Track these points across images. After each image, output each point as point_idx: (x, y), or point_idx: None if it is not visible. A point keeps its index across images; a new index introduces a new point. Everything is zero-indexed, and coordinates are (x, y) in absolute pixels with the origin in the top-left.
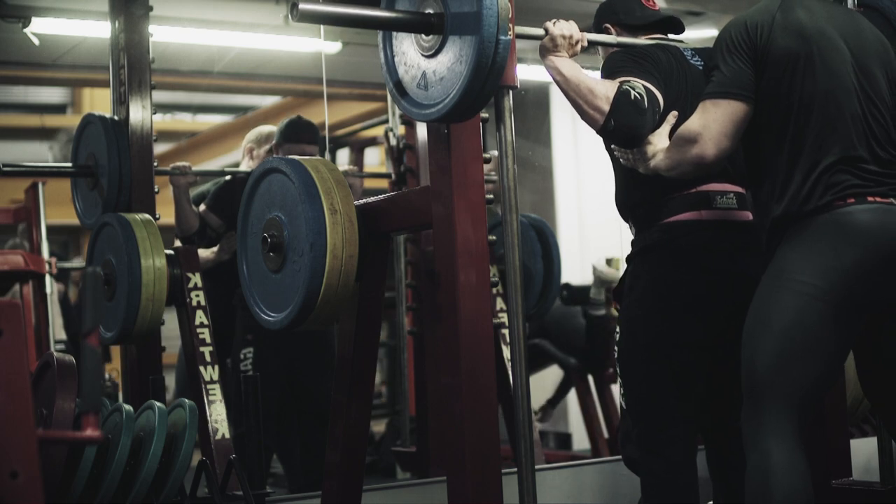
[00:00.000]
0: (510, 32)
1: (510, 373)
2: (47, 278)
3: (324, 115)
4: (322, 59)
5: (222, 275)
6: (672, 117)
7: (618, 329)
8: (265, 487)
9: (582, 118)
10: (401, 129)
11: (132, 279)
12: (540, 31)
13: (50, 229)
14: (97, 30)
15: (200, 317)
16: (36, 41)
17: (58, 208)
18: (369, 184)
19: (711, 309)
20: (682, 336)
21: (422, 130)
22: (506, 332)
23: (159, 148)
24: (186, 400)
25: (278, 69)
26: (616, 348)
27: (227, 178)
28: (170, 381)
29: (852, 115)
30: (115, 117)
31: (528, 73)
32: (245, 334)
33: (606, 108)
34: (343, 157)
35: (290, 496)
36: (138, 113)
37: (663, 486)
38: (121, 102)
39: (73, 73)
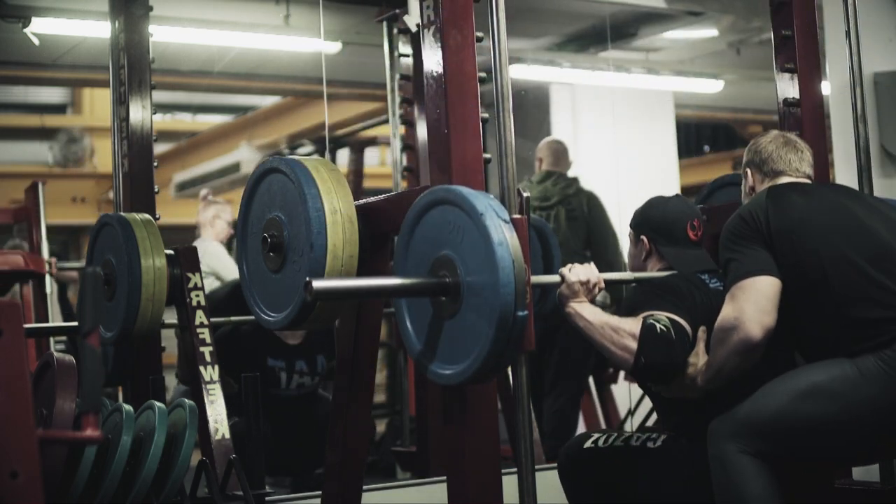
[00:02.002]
0: (527, 302)
1: (510, 373)
2: (47, 278)
3: (324, 115)
4: (322, 59)
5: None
6: (702, 332)
7: (659, 442)
8: (265, 487)
9: (610, 360)
10: (401, 129)
11: (132, 279)
12: (556, 279)
13: (50, 229)
14: (97, 30)
15: (200, 317)
16: (36, 41)
17: (58, 208)
18: (369, 184)
19: None
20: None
21: (422, 130)
22: None
23: (159, 148)
24: (186, 400)
25: (278, 69)
26: (654, 442)
27: (228, 326)
28: (170, 381)
29: (886, 245)
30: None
31: (528, 73)
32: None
33: (634, 345)
34: (343, 157)
35: (291, 496)
36: (138, 113)
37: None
38: (121, 102)
39: (73, 73)
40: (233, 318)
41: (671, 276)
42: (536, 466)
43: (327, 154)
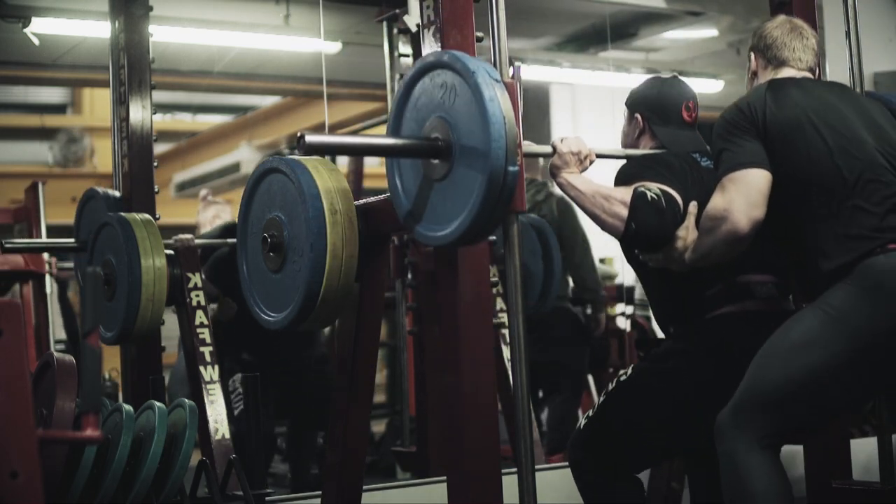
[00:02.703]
0: (519, 161)
1: (510, 373)
2: (47, 278)
3: (324, 115)
4: (322, 59)
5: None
6: (693, 208)
7: (630, 371)
8: (265, 487)
9: (602, 229)
10: None
11: (132, 279)
12: (548, 149)
13: (50, 229)
14: (97, 30)
15: (200, 317)
16: (36, 41)
17: (58, 208)
18: (369, 184)
19: None
20: (683, 433)
21: None
22: (506, 332)
23: (159, 148)
24: (186, 400)
25: (278, 69)
26: (615, 382)
27: (227, 248)
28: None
29: (874, 160)
30: (118, 193)
31: (528, 73)
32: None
33: (625, 213)
34: (343, 157)
35: (290, 496)
36: (138, 113)
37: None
38: (121, 102)
39: (73, 73)
40: (228, 241)
41: (663, 152)
42: (536, 466)
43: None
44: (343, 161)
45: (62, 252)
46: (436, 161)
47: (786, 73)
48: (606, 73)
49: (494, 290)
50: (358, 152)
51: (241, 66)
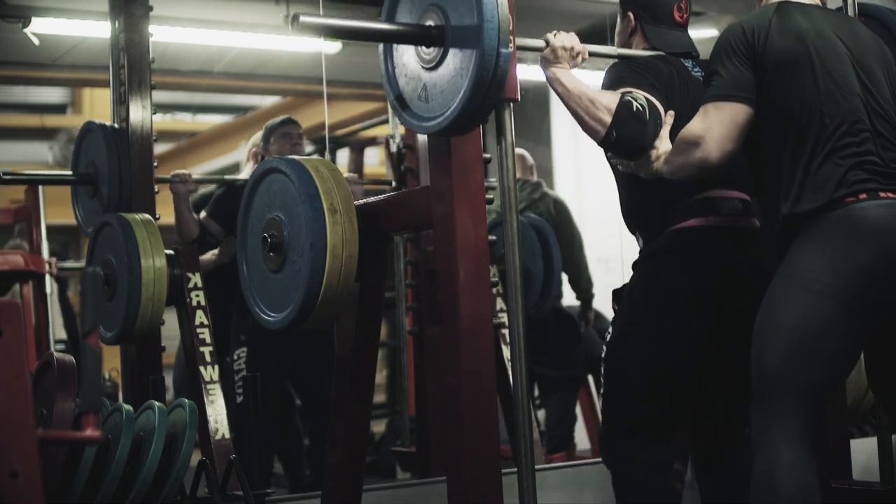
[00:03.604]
0: (511, 45)
1: (510, 373)
2: (47, 278)
3: (324, 115)
4: (322, 59)
5: (222, 278)
6: (669, 118)
7: (610, 329)
8: (265, 487)
9: (583, 130)
10: (401, 129)
11: (132, 279)
12: (541, 43)
13: (50, 229)
14: (97, 30)
15: (200, 317)
16: (36, 41)
17: (58, 208)
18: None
19: (714, 316)
20: (679, 344)
21: None
22: (506, 332)
23: (159, 148)
24: (186, 400)
25: (278, 69)
26: (605, 347)
27: (227, 184)
28: (168, 382)
29: (856, 112)
30: (115, 125)
31: (528, 73)
32: (239, 335)
33: (608, 119)
34: (343, 157)
35: (290, 496)
36: (138, 113)
37: (635, 486)
38: (121, 102)
39: (73, 73)
40: (227, 177)
41: (654, 56)
42: (536, 466)
43: (327, 154)
44: (343, 161)
45: (61, 184)
46: (430, 49)
47: None
48: None
49: (494, 290)
50: (352, 36)
51: (241, 66)
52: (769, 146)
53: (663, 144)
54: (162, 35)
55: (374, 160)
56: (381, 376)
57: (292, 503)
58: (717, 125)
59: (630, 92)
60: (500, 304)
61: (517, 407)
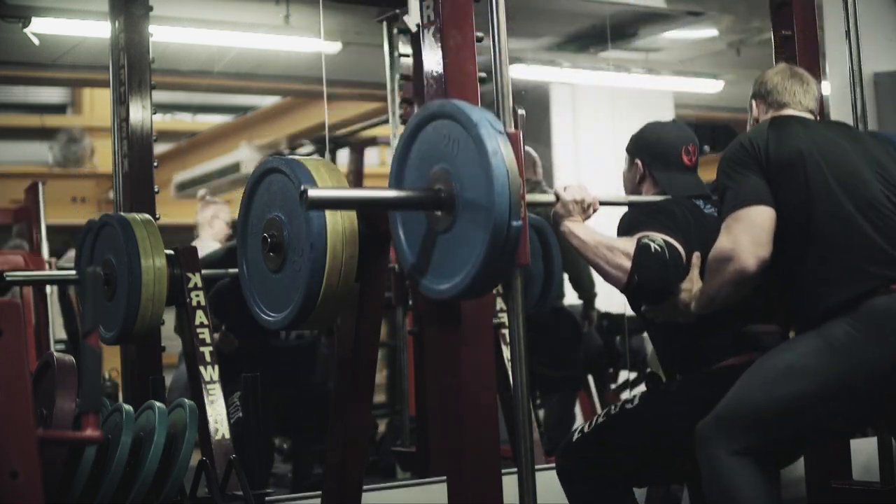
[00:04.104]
0: (522, 214)
1: (510, 373)
2: None
3: (324, 115)
4: (322, 59)
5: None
6: (696, 259)
7: (636, 402)
8: (265, 487)
9: (605, 279)
10: (401, 129)
11: (132, 279)
12: (551, 198)
13: (50, 229)
14: (97, 30)
15: (200, 317)
16: (36, 41)
17: (58, 208)
18: (369, 184)
19: None
20: (689, 466)
21: None
22: (506, 332)
23: (159, 148)
24: (186, 400)
25: (278, 69)
26: (622, 406)
27: (229, 279)
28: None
29: (877, 198)
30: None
31: (528, 73)
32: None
33: (628, 264)
34: (343, 157)
35: (290, 496)
36: (138, 113)
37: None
38: (121, 102)
39: (73, 73)
40: (230, 270)
41: (666, 199)
42: (536, 466)
43: (327, 154)
44: (343, 161)
45: (67, 283)
46: (439, 213)
47: (787, 113)
48: (606, 73)
49: (494, 290)
50: (360, 205)
51: (241, 66)
52: (794, 244)
53: (695, 285)
54: (162, 35)
55: (374, 160)
56: (381, 376)
57: (292, 503)
58: (743, 234)
59: (646, 235)
60: (500, 304)
61: (517, 407)
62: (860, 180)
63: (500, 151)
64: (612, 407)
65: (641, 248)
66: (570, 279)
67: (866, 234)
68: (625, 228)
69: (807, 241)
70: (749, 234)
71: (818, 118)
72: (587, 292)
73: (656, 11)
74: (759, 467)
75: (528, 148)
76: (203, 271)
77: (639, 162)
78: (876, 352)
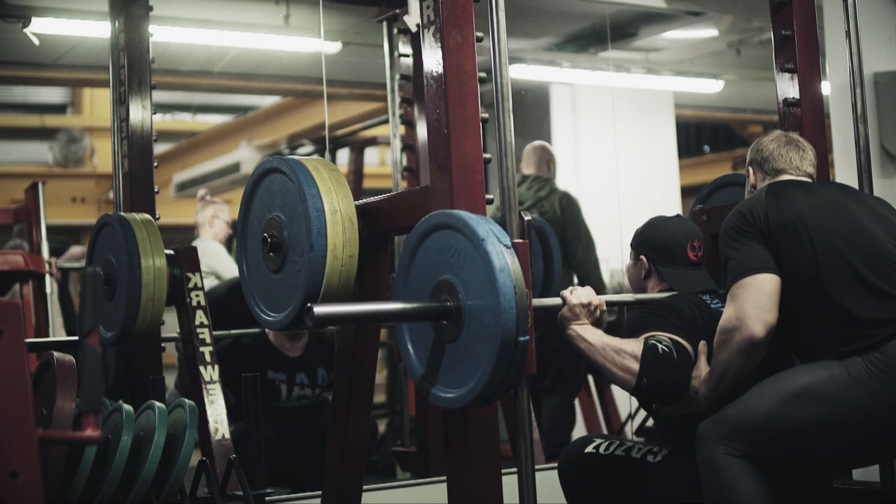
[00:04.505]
0: (529, 326)
1: None
2: (47, 278)
3: (324, 115)
4: (322, 59)
5: None
6: (703, 346)
7: (659, 458)
8: (265, 487)
9: (613, 382)
10: (401, 129)
11: (132, 279)
12: (558, 301)
13: (50, 229)
14: (97, 30)
15: (200, 317)
16: (36, 41)
17: (58, 208)
18: (369, 184)
19: None
20: None
21: (422, 130)
22: None
23: (159, 148)
24: (186, 400)
25: (278, 69)
26: (645, 455)
27: (229, 339)
28: (169, 381)
29: (885, 247)
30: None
31: (528, 73)
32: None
33: (636, 366)
34: (343, 157)
35: (291, 496)
36: (138, 113)
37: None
38: (121, 102)
39: (73, 73)
40: (233, 332)
41: (673, 296)
42: (536, 466)
43: (327, 154)
44: (343, 161)
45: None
46: (446, 322)
47: (784, 177)
48: (606, 73)
49: None
50: (366, 320)
51: (241, 66)
52: (804, 305)
53: (703, 371)
54: (162, 35)
55: (375, 160)
56: (381, 376)
57: (292, 503)
58: (747, 302)
59: (653, 336)
60: None
61: (517, 407)
62: (866, 232)
63: (507, 267)
64: (636, 447)
65: (649, 349)
66: (579, 278)
67: (878, 284)
68: (632, 329)
69: (819, 297)
70: (754, 301)
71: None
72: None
73: (656, 11)
74: (756, 468)
75: (545, 144)
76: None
77: (644, 258)
78: (893, 390)
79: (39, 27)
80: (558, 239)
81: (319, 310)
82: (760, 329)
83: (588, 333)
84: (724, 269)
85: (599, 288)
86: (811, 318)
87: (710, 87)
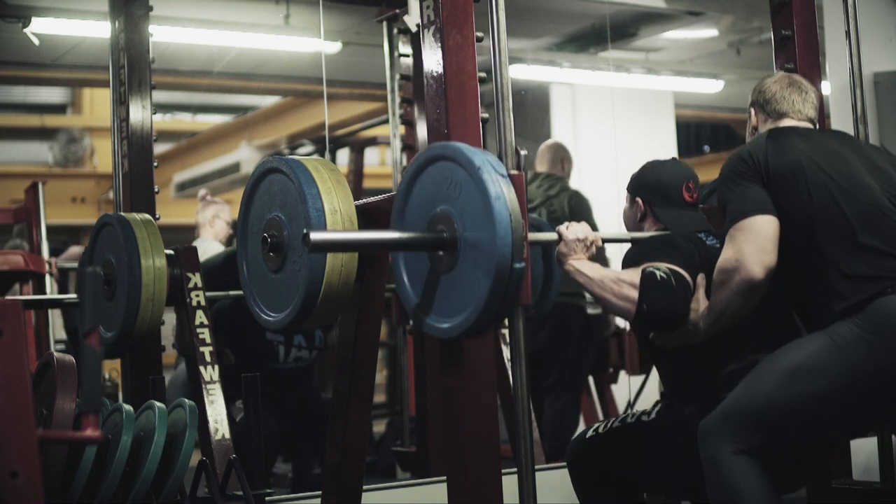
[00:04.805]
0: (525, 255)
1: (510, 373)
2: (47, 278)
3: (324, 115)
4: (322, 59)
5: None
6: (701, 279)
7: (653, 415)
8: (265, 487)
9: (614, 313)
10: (401, 129)
11: (132, 279)
12: (554, 236)
13: (50, 229)
14: (97, 30)
15: (200, 317)
16: (36, 41)
17: (58, 208)
18: (369, 184)
19: None
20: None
21: (422, 130)
22: (506, 332)
23: (159, 148)
24: (186, 400)
25: (278, 69)
26: (639, 417)
27: (228, 300)
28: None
29: (881, 202)
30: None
31: (528, 73)
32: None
33: (635, 294)
34: (343, 157)
35: (290, 496)
36: (138, 113)
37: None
38: (121, 102)
39: (73, 73)
40: (231, 293)
41: (669, 233)
42: (536, 466)
43: (327, 154)
44: (343, 161)
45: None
46: (441, 253)
47: (786, 123)
48: (606, 73)
49: None
50: (362, 247)
51: (241, 66)
52: (799, 254)
53: (701, 304)
54: (162, 35)
55: (375, 160)
56: (381, 376)
57: (292, 503)
58: (746, 244)
59: (651, 265)
60: None
61: (517, 407)
62: (862, 186)
63: (503, 195)
64: (630, 415)
65: (647, 277)
66: None
67: (870, 239)
68: (629, 262)
69: (812, 249)
70: (753, 243)
71: (817, 126)
72: None
73: (656, 11)
74: (761, 467)
75: (560, 143)
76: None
77: (639, 200)
78: (881, 350)
79: (39, 27)
80: None
81: (316, 236)
82: (759, 271)
83: (585, 267)
84: (723, 213)
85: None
86: (806, 270)
87: (710, 87)
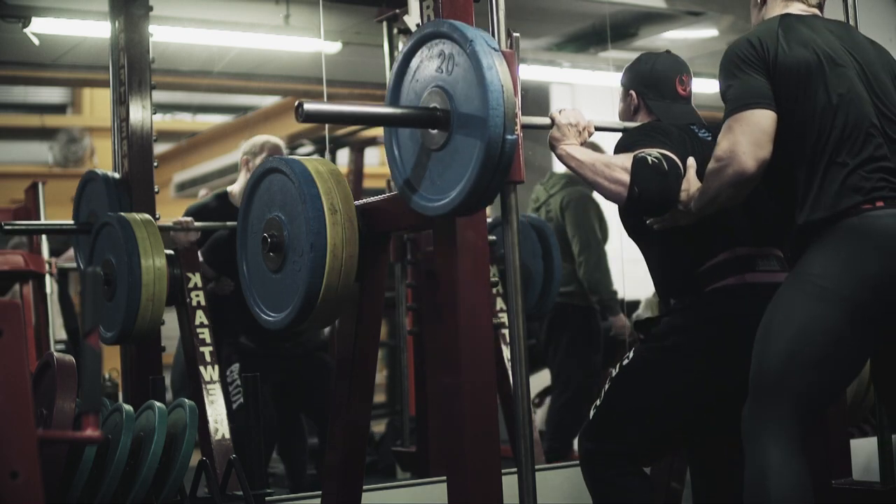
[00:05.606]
0: (517, 130)
1: (510, 373)
2: (47, 278)
3: None
4: (322, 59)
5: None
6: (692, 161)
7: (631, 354)
8: (265, 487)
9: (606, 197)
10: None
11: (132, 279)
12: (546, 121)
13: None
14: (97, 30)
15: (200, 317)
16: (36, 41)
17: (58, 208)
18: (369, 184)
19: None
20: (699, 401)
21: None
22: (506, 332)
23: (159, 148)
24: (186, 400)
25: (278, 69)
26: (620, 364)
27: (225, 230)
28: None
29: (869, 118)
30: (118, 175)
31: (528, 73)
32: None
33: (626, 178)
34: (343, 157)
35: (290, 496)
36: (138, 113)
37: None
38: (121, 102)
39: (73, 73)
40: (228, 224)
41: (661, 122)
42: (536, 466)
43: (327, 154)
44: (343, 161)
45: (61, 234)
46: (434, 131)
47: (796, 7)
48: (606, 73)
49: (494, 290)
50: (356, 121)
51: (241, 66)
52: (783, 156)
53: (692, 185)
54: (162, 35)
55: (375, 160)
56: (381, 376)
57: (292, 503)
58: (742, 136)
59: (642, 150)
60: (500, 304)
61: (517, 407)
62: (858, 100)
63: (496, 66)
64: (613, 370)
65: (638, 161)
66: (590, 287)
67: (852, 156)
68: (621, 148)
69: (804, 152)
70: (749, 136)
71: (823, 12)
72: (597, 294)
73: (656, 11)
74: (804, 470)
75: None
76: (199, 225)
77: (633, 93)
78: (855, 272)
79: (39, 27)
80: (561, 238)
81: (309, 106)
82: (753, 164)
83: (577, 151)
84: (723, 98)
85: (599, 291)
86: (794, 168)
87: (710, 87)
